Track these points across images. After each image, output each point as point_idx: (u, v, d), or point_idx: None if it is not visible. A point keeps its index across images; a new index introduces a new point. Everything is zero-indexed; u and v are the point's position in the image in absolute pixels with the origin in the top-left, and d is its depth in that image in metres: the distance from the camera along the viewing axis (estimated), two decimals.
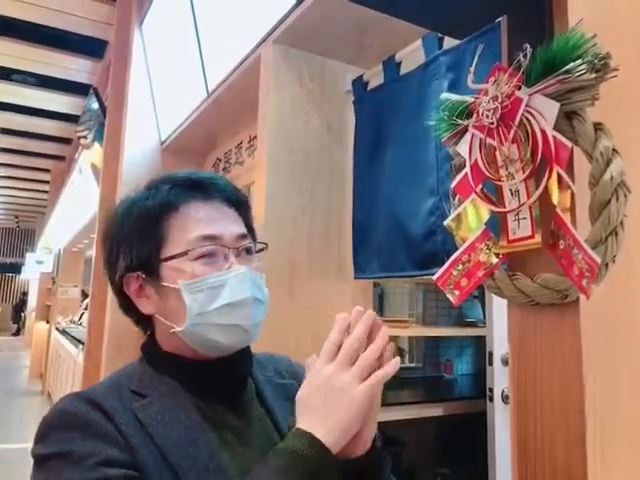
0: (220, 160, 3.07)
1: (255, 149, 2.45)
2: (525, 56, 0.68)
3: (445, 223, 0.81)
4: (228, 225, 0.76)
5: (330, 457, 0.58)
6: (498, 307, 2.09)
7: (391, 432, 2.13)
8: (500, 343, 2.11)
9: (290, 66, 1.86)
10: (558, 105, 0.65)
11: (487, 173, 0.74)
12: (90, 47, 5.09)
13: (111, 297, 3.18)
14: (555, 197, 0.68)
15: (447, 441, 2.34)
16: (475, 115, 0.74)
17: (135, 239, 0.75)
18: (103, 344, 3.21)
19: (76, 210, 7.00)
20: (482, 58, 0.75)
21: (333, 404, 0.60)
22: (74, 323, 7.43)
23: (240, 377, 0.78)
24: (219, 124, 2.78)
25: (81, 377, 3.80)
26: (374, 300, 2.31)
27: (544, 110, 0.67)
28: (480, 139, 0.74)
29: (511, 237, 0.74)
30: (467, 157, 0.77)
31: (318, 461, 0.57)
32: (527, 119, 0.68)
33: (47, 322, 8.97)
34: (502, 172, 0.72)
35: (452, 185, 0.80)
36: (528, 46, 0.68)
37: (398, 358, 0.63)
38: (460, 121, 0.77)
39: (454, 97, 0.79)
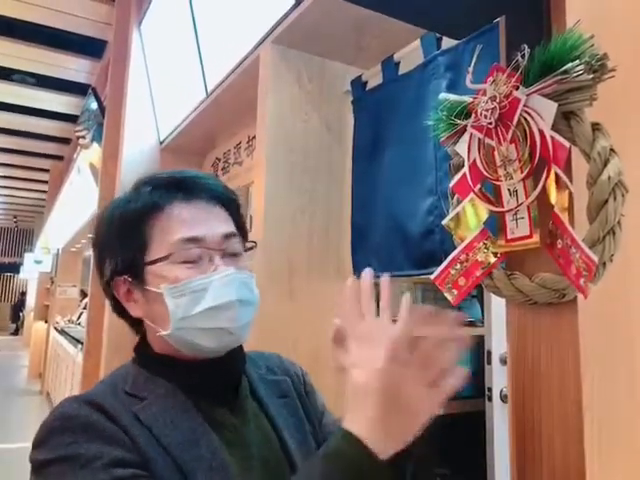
0: (219, 160, 3.07)
1: (254, 149, 2.45)
2: (523, 56, 0.68)
3: (444, 222, 0.81)
4: (213, 225, 0.74)
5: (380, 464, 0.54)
6: (496, 306, 2.09)
7: None
8: (498, 342, 2.11)
9: (289, 66, 1.87)
10: (556, 105, 0.66)
11: (485, 173, 0.74)
12: (89, 47, 5.09)
13: None
14: (553, 197, 0.68)
15: (445, 441, 2.34)
16: (473, 115, 0.75)
17: (118, 243, 0.75)
18: (102, 344, 3.21)
19: (75, 210, 6.99)
20: (480, 58, 0.75)
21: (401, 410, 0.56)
22: (72, 323, 7.42)
23: (234, 377, 0.77)
24: (218, 124, 2.78)
25: (80, 377, 3.80)
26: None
27: (542, 110, 0.67)
28: (479, 139, 0.74)
29: (509, 236, 0.75)
30: (466, 157, 0.77)
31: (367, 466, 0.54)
32: (525, 119, 0.68)
33: (46, 322, 8.97)
34: (500, 172, 0.73)
35: (451, 185, 0.81)
36: (526, 46, 0.68)
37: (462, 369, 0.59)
38: (458, 121, 0.77)
39: (452, 97, 0.79)
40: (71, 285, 8.74)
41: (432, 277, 0.78)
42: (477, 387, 2.45)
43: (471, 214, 0.78)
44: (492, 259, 0.76)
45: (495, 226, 0.77)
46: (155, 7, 3.21)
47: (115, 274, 0.75)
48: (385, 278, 0.65)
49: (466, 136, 0.77)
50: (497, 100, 0.71)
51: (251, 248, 0.81)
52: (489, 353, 2.14)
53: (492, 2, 0.82)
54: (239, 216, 0.81)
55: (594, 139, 0.64)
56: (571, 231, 0.64)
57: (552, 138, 0.66)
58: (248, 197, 2.50)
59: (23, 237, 17.90)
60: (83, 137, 5.24)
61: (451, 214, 0.80)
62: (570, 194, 0.67)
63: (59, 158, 8.84)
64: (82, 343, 4.11)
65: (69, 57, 5.33)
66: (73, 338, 5.48)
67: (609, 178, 0.62)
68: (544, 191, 0.68)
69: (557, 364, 0.70)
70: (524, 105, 0.68)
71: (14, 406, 6.65)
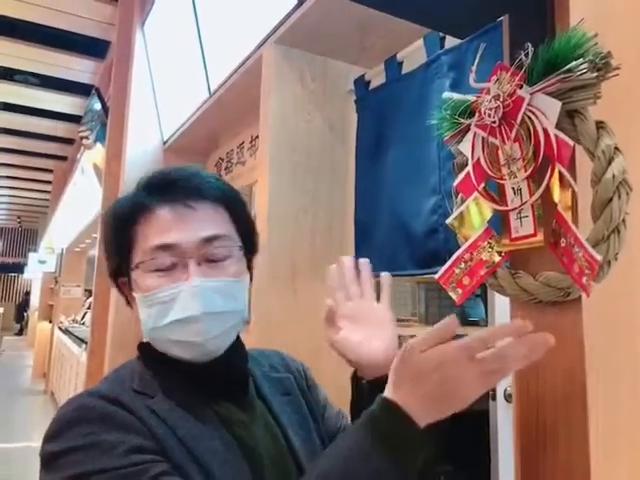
0: (222, 160, 3.07)
1: (257, 149, 2.45)
2: (527, 55, 0.68)
3: (447, 222, 0.81)
4: (191, 229, 0.70)
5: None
6: (501, 305, 2.09)
7: None
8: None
9: (292, 66, 1.87)
10: (560, 104, 0.66)
11: (489, 172, 0.74)
12: (92, 47, 5.11)
13: (114, 296, 3.19)
14: (557, 195, 0.68)
15: (450, 439, 2.34)
16: (477, 114, 0.75)
17: (109, 246, 0.76)
18: (106, 343, 3.22)
19: (78, 210, 7.02)
20: (484, 57, 0.75)
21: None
22: (77, 322, 7.45)
23: (237, 375, 0.77)
24: (221, 124, 2.79)
25: (84, 376, 3.81)
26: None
27: (546, 109, 0.67)
28: (482, 138, 0.74)
29: (513, 235, 0.75)
30: (469, 156, 0.77)
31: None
32: (529, 118, 0.68)
33: (50, 322, 9.00)
34: (504, 171, 0.72)
35: (454, 184, 0.81)
36: (530, 45, 0.68)
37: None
38: (462, 120, 0.77)
39: (456, 96, 0.79)
40: (75, 285, 8.77)
41: (436, 276, 0.78)
42: None
43: (475, 213, 0.78)
44: (496, 258, 0.76)
45: (499, 225, 0.77)
46: (158, 7, 3.21)
47: (115, 274, 0.77)
48: (385, 274, 0.66)
49: (470, 135, 0.77)
50: (501, 99, 0.71)
51: (248, 249, 0.78)
52: None
53: (495, 1, 0.82)
54: (240, 215, 0.78)
55: (598, 137, 0.64)
56: (574, 230, 0.64)
57: (556, 137, 0.66)
58: (251, 197, 2.51)
59: (27, 237, 17.97)
60: (86, 137, 5.26)
61: (455, 213, 0.80)
62: (574, 193, 0.67)
63: (63, 158, 8.87)
64: (86, 343, 4.13)
65: (72, 57, 5.35)
66: (77, 338, 5.50)
67: (613, 176, 0.61)
68: (548, 190, 0.68)
69: (561, 362, 0.70)
70: (528, 104, 0.68)
71: (18, 406, 6.68)
